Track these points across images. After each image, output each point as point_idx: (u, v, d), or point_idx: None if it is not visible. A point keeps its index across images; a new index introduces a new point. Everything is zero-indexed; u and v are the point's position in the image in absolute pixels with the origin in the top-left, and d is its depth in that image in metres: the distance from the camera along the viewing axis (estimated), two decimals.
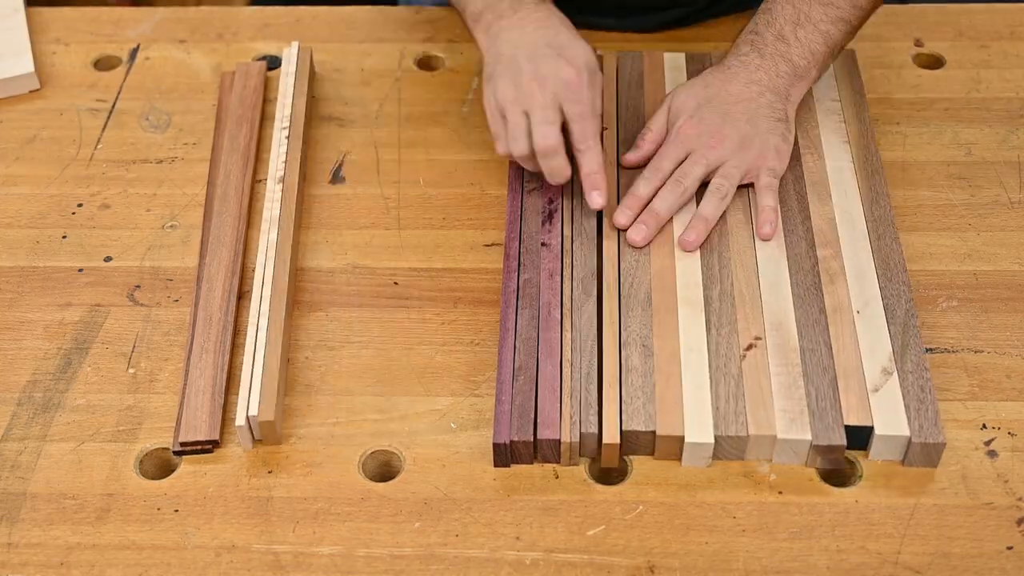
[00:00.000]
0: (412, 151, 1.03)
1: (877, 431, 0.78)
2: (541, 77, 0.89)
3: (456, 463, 0.80)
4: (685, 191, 0.91)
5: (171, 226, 0.97)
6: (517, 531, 0.77)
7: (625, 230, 0.91)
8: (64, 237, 0.97)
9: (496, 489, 0.79)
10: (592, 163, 0.90)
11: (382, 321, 0.89)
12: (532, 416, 0.80)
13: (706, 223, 0.90)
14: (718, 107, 0.93)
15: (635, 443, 0.79)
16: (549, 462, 0.80)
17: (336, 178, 1.01)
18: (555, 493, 0.79)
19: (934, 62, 1.10)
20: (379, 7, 1.19)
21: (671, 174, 0.92)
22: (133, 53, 1.14)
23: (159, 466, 0.82)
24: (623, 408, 0.80)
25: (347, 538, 0.77)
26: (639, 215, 0.91)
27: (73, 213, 0.99)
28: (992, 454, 0.80)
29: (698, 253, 0.89)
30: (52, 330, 0.89)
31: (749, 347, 0.83)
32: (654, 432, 0.78)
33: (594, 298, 0.86)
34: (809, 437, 0.78)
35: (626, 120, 1.01)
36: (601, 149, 0.90)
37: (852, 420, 0.78)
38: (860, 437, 0.79)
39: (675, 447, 0.79)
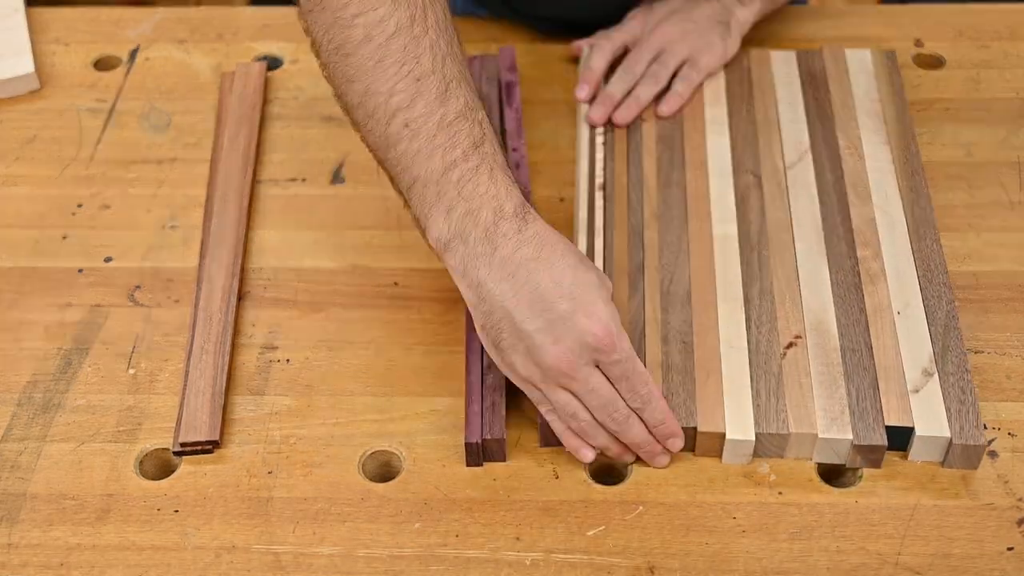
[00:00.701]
0: None
1: (918, 432, 0.78)
2: (566, 351, 0.74)
3: (456, 463, 0.80)
4: (632, 78, 1.01)
5: (171, 226, 0.97)
6: (517, 531, 0.77)
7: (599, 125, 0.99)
8: (64, 237, 0.97)
9: (496, 489, 0.79)
10: (657, 415, 0.77)
11: (382, 321, 0.89)
12: (503, 413, 0.80)
13: (639, 103, 0.99)
14: (687, 14, 1.02)
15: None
16: (492, 459, 0.80)
17: (336, 178, 1.01)
18: (555, 493, 0.79)
19: (934, 62, 1.10)
20: None
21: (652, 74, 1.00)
22: (133, 53, 1.14)
23: (159, 466, 0.82)
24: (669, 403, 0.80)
25: (347, 538, 0.77)
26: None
27: (73, 213, 0.99)
28: (992, 454, 0.80)
29: (738, 252, 0.89)
30: (52, 330, 0.89)
31: (790, 345, 0.83)
32: (695, 428, 0.79)
33: (641, 292, 0.86)
34: (850, 437, 0.78)
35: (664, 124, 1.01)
36: (658, 391, 0.77)
37: (893, 421, 0.78)
38: (901, 438, 0.78)
39: (716, 444, 0.79)
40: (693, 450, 0.80)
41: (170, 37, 1.16)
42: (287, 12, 1.18)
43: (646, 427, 0.77)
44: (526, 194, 0.81)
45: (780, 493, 0.78)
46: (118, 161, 1.03)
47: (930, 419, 0.78)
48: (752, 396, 0.80)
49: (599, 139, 0.98)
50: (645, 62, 1.02)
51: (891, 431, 0.78)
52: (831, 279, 0.87)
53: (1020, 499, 0.77)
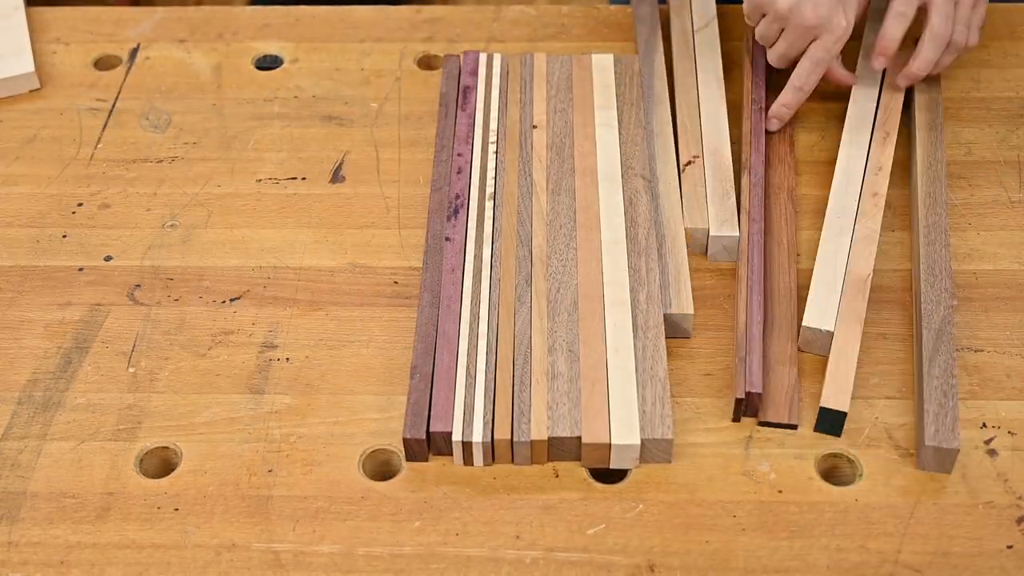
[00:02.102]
0: (412, 151, 1.03)
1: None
2: (816, 11, 0.94)
3: (456, 463, 0.80)
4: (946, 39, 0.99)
5: (171, 226, 0.97)
6: (517, 530, 0.77)
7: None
8: (64, 236, 0.97)
9: (496, 488, 0.79)
10: (789, 99, 0.99)
11: (382, 321, 0.89)
12: (426, 413, 0.80)
13: (891, 43, 0.98)
14: None
15: (561, 448, 0.79)
16: (443, 454, 0.80)
17: (336, 178, 1.01)
18: (555, 492, 0.79)
19: None
20: (379, 7, 1.19)
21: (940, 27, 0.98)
22: (133, 53, 1.14)
23: (159, 465, 0.82)
24: (551, 414, 0.80)
25: (347, 537, 0.77)
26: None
27: (73, 213, 0.99)
28: (992, 453, 0.80)
29: (625, 257, 0.89)
30: (52, 329, 0.89)
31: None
32: (579, 438, 0.78)
33: (528, 303, 0.86)
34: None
35: (554, 123, 1.01)
36: (802, 97, 0.99)
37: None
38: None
39: (603, 453, 0.79)
40: (579, 459, 0.80)
41: (170, 37, 1.16)
42: (287, 12, 1.18)
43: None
44: (463, 200, 0.94)
45: (780, 491, 0.78)
46: (118, 160, 1.03)
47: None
48: (639, 403, 0.80)
49: (491, 148, 0.98)
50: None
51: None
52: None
53: (1020, 497, 0.77)
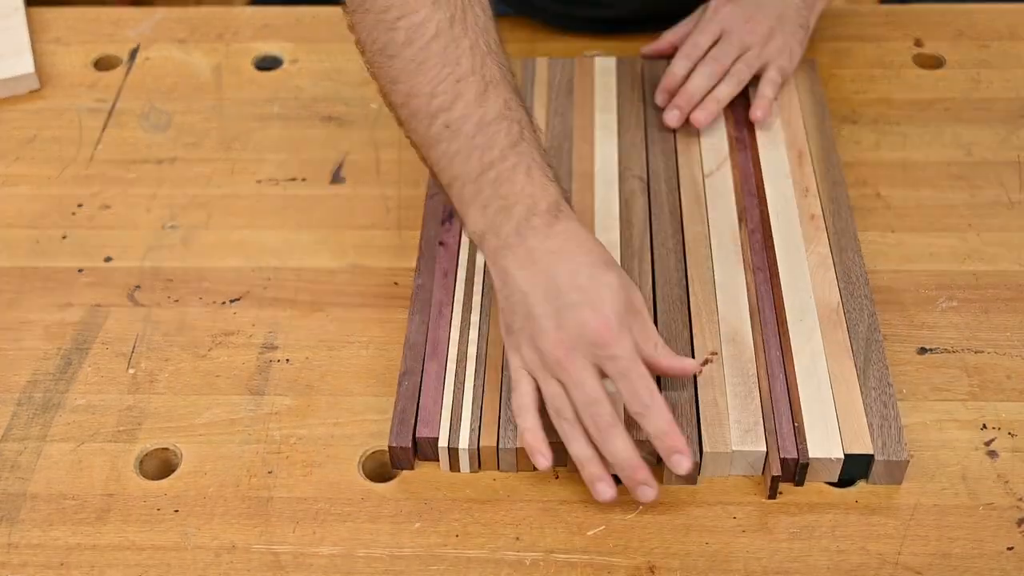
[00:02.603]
0: (412, 151, 1.03)
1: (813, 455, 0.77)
2: (564, 338, 0.74)
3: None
4: (721, 69, 0.95)
5: (171, 226, 0.97)
6: (517, 531, 0.77)
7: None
8: (64, 237, 0.97)
9: (496, 489, 0.79)
10: (658, 423, 0.74)
11: (382, 321, 0.89)
12: (412, 421, 0.80)
13: (718, 104, 0.95)
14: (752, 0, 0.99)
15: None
16: (430, 459, 0.80)
17: (336, 178, 1.01)
18: (555, 493, 0.79)
19: (934, 62, 1.10)
20: None
21: (706, 52, 0.96)
22: (133, 53, 1.14)
23: (159, 466, 0.82)
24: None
25: (347, 538, 0.77)
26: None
27: (73, 213, 0.99)
28: (992, 454, 0.80)
29: (619, 258, 0.89)
30: (52, 330, 0.89)
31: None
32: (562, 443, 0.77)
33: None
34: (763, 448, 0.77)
35: (554, 127, 1.00)
36: (664, 404, 0.74)
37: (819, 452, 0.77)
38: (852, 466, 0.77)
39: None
40: (564, 464, 0.78)
41: (170, 37, 1.16)
42: (287, 12, 1.18)
43: (634, 445, 0.74)
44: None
45: (780, 493, 0.78)
46: (118, 161, 1.03)
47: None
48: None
49: None
50: (706, 44, 1.00)
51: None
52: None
53: (1020, 499, 0.77)
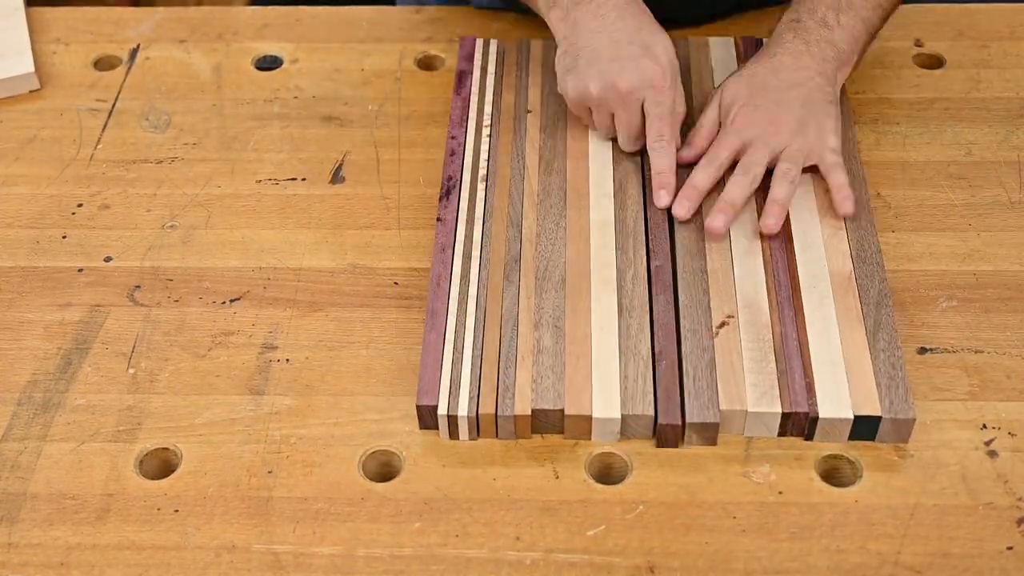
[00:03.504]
0: (412, 151, 1.03)
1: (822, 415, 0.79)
2: (626, 77, 0.91)
3: (456, 463, 0.80)
4: (755, 179, 0.91)
5: (171, 226, 0.97)
6: (517, 531, 0.77)
7: (684, 221, 0.91)
8: (64, 237, 0.97)
9: (496, 489, 0.79)
10: (663, 162, 0.92)
11: (382, 322, 0.89)
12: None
13: (781, 207, 0.90)
14: (771, 94, 0.94)
15: (545, 421, 0.80)
16: (430, 428, 0.81)
17: (336, 178, 1.01)
18: (555, 493, 0.79)
19: (934, 62, 1.10)
20: (379, 7, 1.19)
21: (726, 163, 0.92)
22: (133, 53, 1.14)
23: (159, 466, 0.82)
24: (535, 387, 0.81)
25: (347, 538, 0.77)
26: (693, 202, 0.92)
27: (73, 213, 0.99)
28: (992, 454, 0.80)
29: (614, 238, 0.90)
30: (52, 330, 0.89)
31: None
32: (562, 410, 0.80)
33: (517, 281, 0.88)
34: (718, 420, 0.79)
35: (549, 106, 1.01)
36: (674, 149, 0.92)
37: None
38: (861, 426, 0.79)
39: (584, 426, 0.80)
40: (562, 432, 0.81)
41: (170, 37, 1.16)
42: (287, 12, 1.18)
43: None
44: (455, 182, 0.95)
45: (780, 493, 0.78)
46: (118, 161, 1.03)
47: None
48: (620, 378, 0.81)
49: (485, 131, 0.99)
50: (727, 159, 0.93)
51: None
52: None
53: (1020, 499, 0.77)
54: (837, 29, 0.95)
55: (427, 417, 0.81)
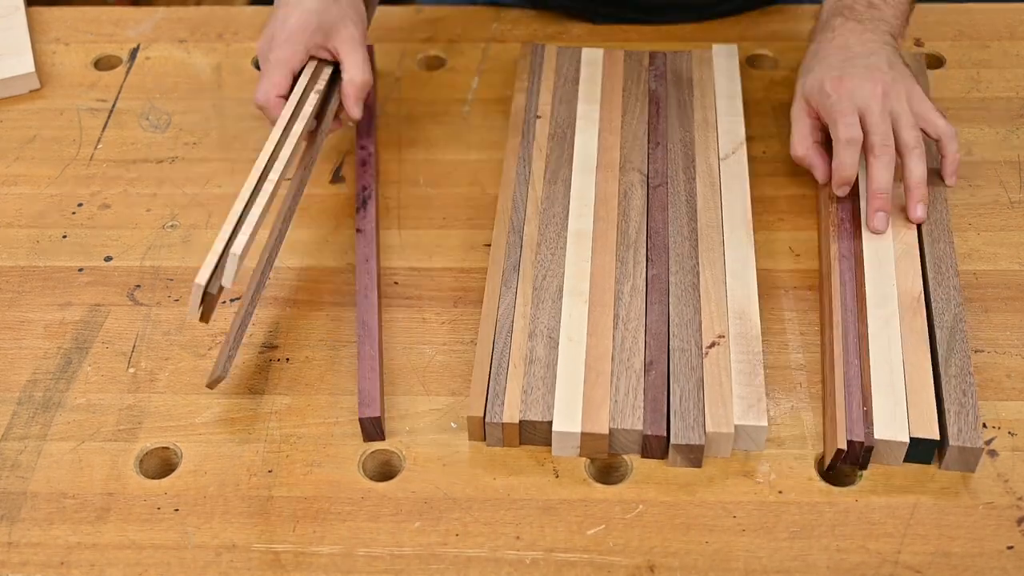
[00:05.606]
0: (412, 151, 1.03)
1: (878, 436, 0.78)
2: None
3: (456, 463, 0.80)
4: (893, 154, 0.90)
5: (171, 226, 0.97)
6: (517, 531, 0.77)
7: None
8: (64, 237, 0.97)
9: (496, 489, 0.79)
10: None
11: (382, 321, 0.89)
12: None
13: (923, 186, 0.90)
14: (856, 61, 0.93)
15: (532, 433, 0.80)
16: (373, 440, 0.81)
17: (336, 178, 1.01)
18: (555, 493, 0.79)
19: (934, 62, 1.10)
20: (379, 7, 1.18)
21: (882, 143, 0.90)
22: (133, 53, 1.14)
23: (159, 465, 0.82)
24: (524, 399, 0.81)
25: (347, 538, 0.77)
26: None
27: (73, 213, 0.99)
28: (992, 454, 0.80)
29: (615, 249, 0.90)
30: (52, 330, 0.89)
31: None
32: (550, 423, 0.79)
33: (514, 288, 0.88)
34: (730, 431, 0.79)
35: (559, 114, 1.01)
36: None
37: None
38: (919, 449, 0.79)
39: (571, 440, 0.80)
40: (549, 444, 0.80)
41: (170, 37, 1.16)
42: None
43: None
44: (370, 192, 0.95)
45: (780, 492, 0.78)
46: (118, 161, 1.03)
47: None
48: (611, 392, 0.80)
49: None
50: (858, 125, 0.92)
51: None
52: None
53: (1020, 498, 0.77)
54: (885, 7, 0.98)
55: (370, 429, 0.81)
